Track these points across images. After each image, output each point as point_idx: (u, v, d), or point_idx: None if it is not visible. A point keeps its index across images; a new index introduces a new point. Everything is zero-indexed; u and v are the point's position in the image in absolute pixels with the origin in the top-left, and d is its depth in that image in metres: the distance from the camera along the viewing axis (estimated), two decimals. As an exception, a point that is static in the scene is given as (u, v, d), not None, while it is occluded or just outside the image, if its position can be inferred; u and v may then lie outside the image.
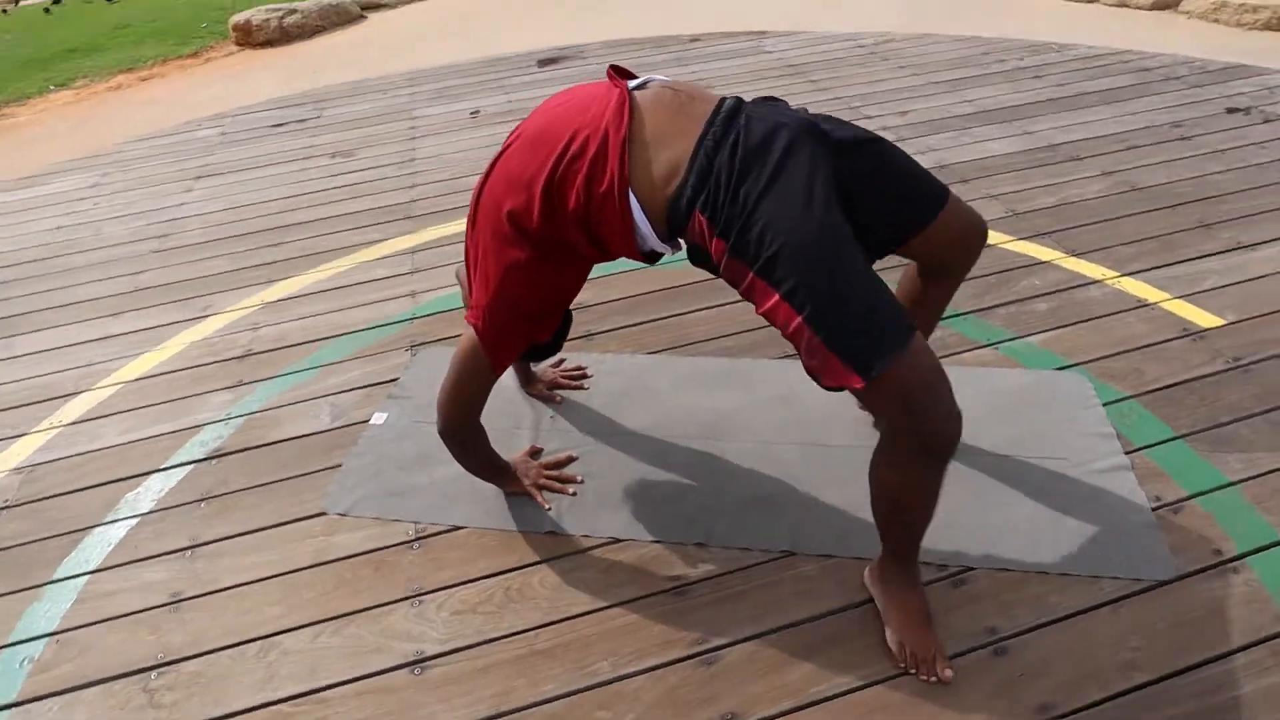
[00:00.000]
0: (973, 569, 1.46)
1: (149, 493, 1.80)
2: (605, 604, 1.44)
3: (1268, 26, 4.75)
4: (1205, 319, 2.03)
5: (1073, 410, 1.77)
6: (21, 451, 1.99)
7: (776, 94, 3.67)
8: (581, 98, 1.31)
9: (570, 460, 1.73)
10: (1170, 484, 1.60)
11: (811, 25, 4.81)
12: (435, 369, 2.03)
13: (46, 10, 8.10)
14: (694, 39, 4.70)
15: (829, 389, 1.17)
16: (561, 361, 2.03)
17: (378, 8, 6.78)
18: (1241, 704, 1.23)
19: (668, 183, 1.20)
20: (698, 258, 1.31)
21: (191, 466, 1.86)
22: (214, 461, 1.87)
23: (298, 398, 2.04)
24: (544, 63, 4.53)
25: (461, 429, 1.54)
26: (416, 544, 1.60)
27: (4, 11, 8.27)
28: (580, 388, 1.94)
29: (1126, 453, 1.66)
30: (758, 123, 1.19)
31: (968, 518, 1.54)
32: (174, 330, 2.38)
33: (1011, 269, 2.29)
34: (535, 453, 1.76)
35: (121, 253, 2.88)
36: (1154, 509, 1.54)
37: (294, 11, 6.20)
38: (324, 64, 5.27)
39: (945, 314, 1.91)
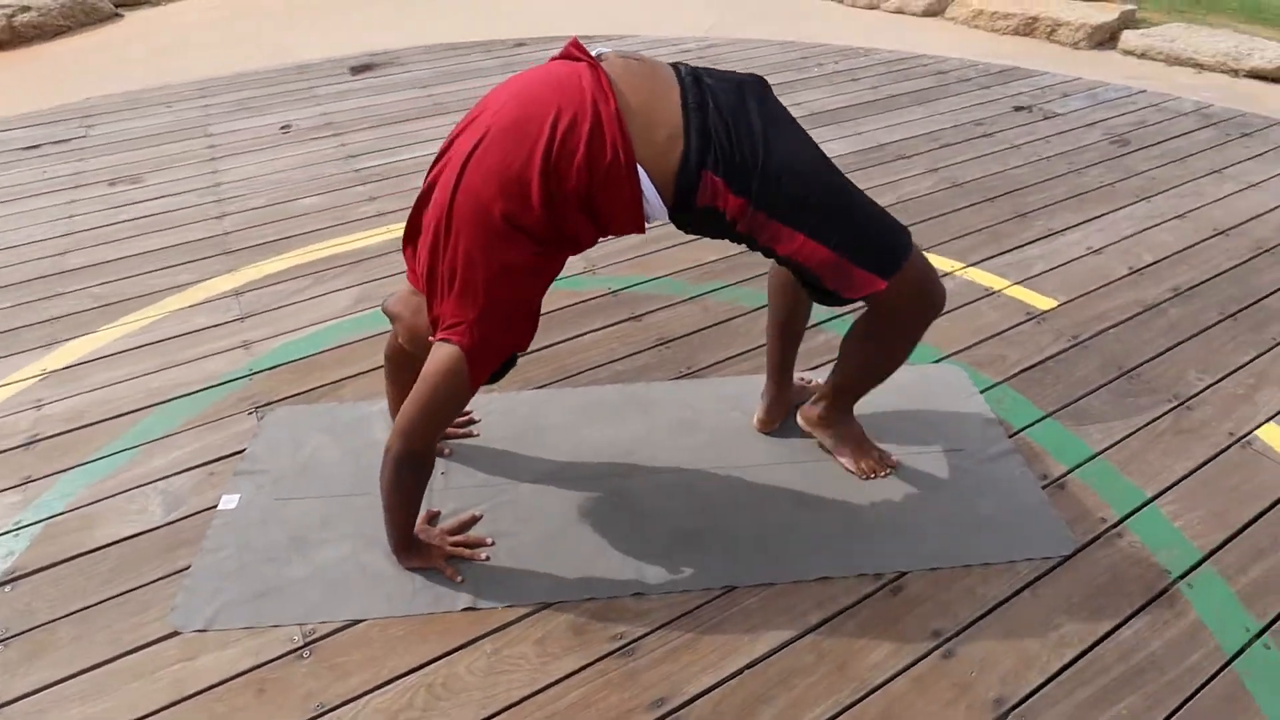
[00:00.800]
0: (905, 573, 1.46)
1: (-84, 642, 1.39)
2: (548, 681, 1.29)
3: (1016, 31, 5.42)
4: (1042, 301, 2.21)
5: (957, 400, 1.85)
6: None
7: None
8: (548, 79, 1.26)
9: (475, 520, 1.55)
10: (1051, 461, 1.71)
11: (626, 30, 4.81)
12: (290, 433, 1.76)
13: None
14: (519, 43, 4.53)
15: (848, 300, 1.35)
16: (443, 408, 1.82)
17: (136, 5, 5.91)
18: (1156, 660, 1.32)
19: (671, 148, 1.21)
20: (690, 221, 1.31)
21: (-24, 598, 1.46)
22: (7, 589, 1.47)
23: (114, 489, 1.67)
24: (357, 70, 4.15)
25: (428, 453, 1.36)
26: (307, 651, 1.34)
27: None
28: (470, 435, 1.75)
29: (1009, 436, 1.76)
30: (717, 82, 1.26)
31: (891, 519, 1.55)
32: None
33: (873, 267, 2.37)
34: (432, 518, 1.55)
35: None
36: (1043, 487, 1.64)
37: (27, 9, 5.22)
38: (74, 72, 4.48)
39: (817, 318, 1.95)
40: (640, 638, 1.36)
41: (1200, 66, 4.78)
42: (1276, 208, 2.68)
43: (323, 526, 1.56)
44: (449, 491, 1.63)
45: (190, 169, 3.09)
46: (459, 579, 1.43)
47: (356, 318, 2.18)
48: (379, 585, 1.44)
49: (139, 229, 2.67)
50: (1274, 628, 1.37)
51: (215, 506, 1.61)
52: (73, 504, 1.64)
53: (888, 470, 1.65)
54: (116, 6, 5.71)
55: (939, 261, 2.40)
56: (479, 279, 1.22)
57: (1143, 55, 5.01)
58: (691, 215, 1.29)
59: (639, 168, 1.22)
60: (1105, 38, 5.23)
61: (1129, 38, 5.08)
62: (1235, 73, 4.64)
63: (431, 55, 4.40)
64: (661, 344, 2.04)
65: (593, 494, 1.61)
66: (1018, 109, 3.52)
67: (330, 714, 1.25)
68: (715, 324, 2.12)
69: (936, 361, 1.98)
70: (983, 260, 2.39)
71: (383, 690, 1.28)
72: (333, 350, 2.05)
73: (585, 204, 1.23)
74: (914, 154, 3.08)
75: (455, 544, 1.48)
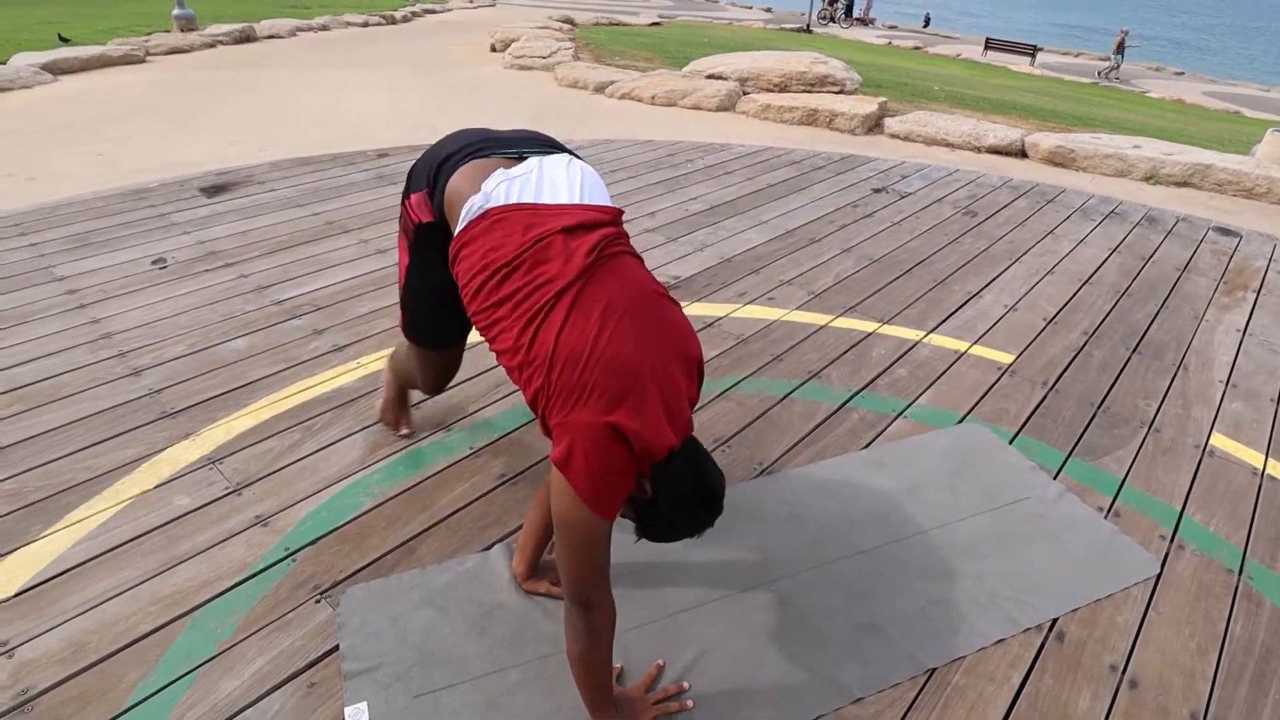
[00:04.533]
0: (1056, 619, 1.60)
1: None
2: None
3: (801, 121, 6.28)
4: (1002, 357, 2.56)
5: (996, 455, 2.07)
6: None
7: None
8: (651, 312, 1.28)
9: (661, 670, 1.44)
10: (1094, 495, 1.97)
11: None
12: (383, 615, 1.53)
13: None
14: (382, 154, 4.36)
15: None
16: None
17: None
18: (1271, 648, 1.57)
19: None
20: None
21: None
22: None
23: (188, 734, 1.32)
24: (211, 191, 3.73)
25: (610, 600, 1.24)
26: None
27: None
28: (595, 575, 1.63)
29: (1053, 479, 2.00)
30: None
31: (1017, 574, 1.69)
32: None
33: (855, 344, 2.59)
34: (618, 674, 1.41)
35: None
36: (1106, 518, 1.88)
37: None
38: None
39: (847, 396, 2.10)
40: (882, 746, 1.34)
41: (951, 145, 5.86)
42: (1108, 256, 3.35)
43: (489, 714, 1.35)
44: (605, 640, 1.50)
45: (57, 321, 2.57)
46: (683, 744, 1.32)
47: (385, 467, 1.94)
48: (598, 765, 1.28)
49: (25, 402, 2.16)
50: (1318, 598, 1.69)
51: (341, 725, 1.33)
52: (136, 769, 1.27)
53: (400, 431, 2.05)
54: None
55: (902, 331, 2.68)
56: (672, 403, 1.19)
57: (906, 138, 6.04)
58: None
59: None
60: (873, 124, 6.24)
61: (891, 124, 6.10)
62: (978, 149, 5.75)
63: (284, 171, 4.09)
64: (721, 444, 2.06)
65: (755, 612, 1.57)
66: (875, 190, 4.06)
67: None
68: (757, 417, 2.18)
69: (958, 423, 2.20)
70: (937, 326, 2.72)
71: None
72: (377, 509, 1.80)
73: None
74: (823, 236, 3.42)
75: (658, 700, 1.36)
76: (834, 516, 1.82)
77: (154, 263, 2.99)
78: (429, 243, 1.52)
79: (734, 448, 2.05)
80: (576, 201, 1.34)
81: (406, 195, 1.54)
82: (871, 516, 1.83)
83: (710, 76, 7.10)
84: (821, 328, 2.67)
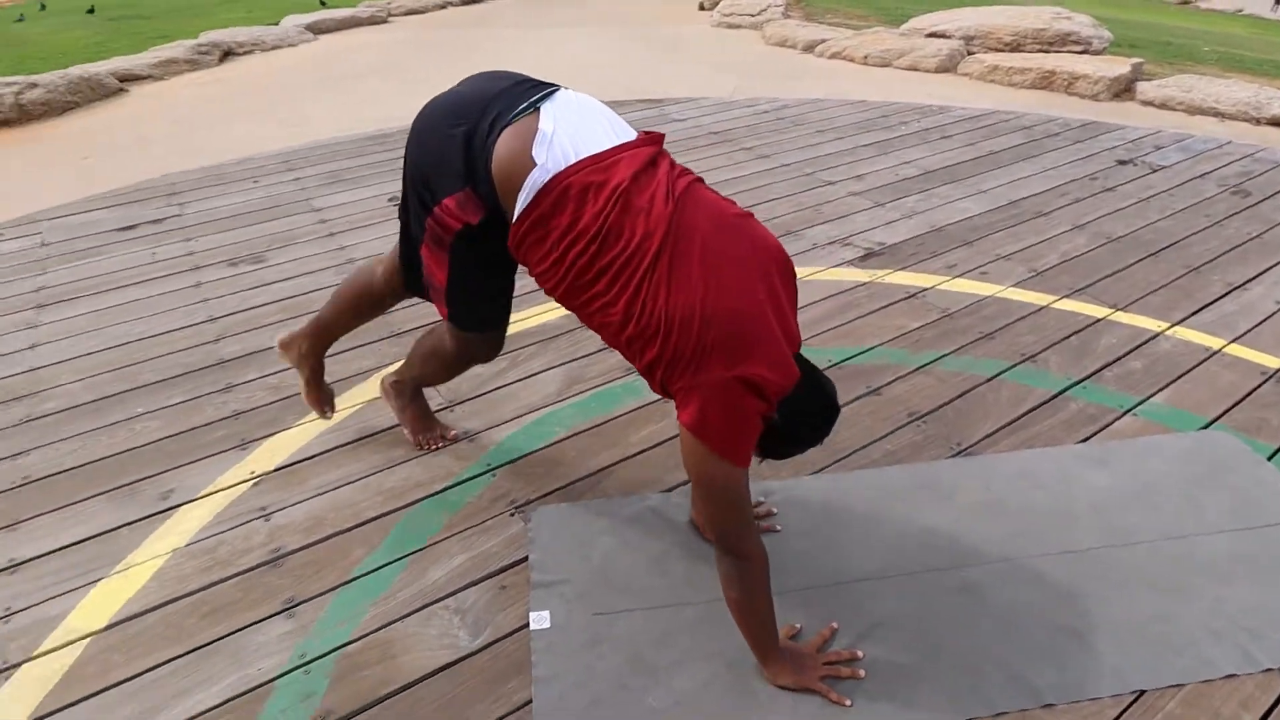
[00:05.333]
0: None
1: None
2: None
3: (1033, 85, 5.64)
4: (1268, 360, 2.20)
5: (1252, 470, 1.79)
6: None
7: (723, 162, 3.63)
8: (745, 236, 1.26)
9: (834, 633, 1.41)
10: (1376, 531, 1.65)
11: (665, 94, 4.84)
12: (570, 536, 1.62)
13: None
14: (592, 108, 4.51)
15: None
16: (736, 501, 1.69)
17: (138, 79, 5.76)
18: None
19: None
20: None
21: (290, 754, 1.26)
22: (323, 739, 1.29)
23: (401, 610, 1.49)
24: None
25: (761, 550, 1.28)
26: (717, 798, 1.18)
27: None
28: (772, 529, 1.63)
29: (1315, 505, 1.70)
30: None
31: (1259, 601, 1.47)
32: (129, 538, 1.66)
33: (1079, 330, 2.34)
34: (792, 634, 1.41)
35: (-23, 427, 2.02)
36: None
37: (34, 85, 5.01)
38: (91, 149, 4.29)
39: (1065, 384, 1.89)
40: (1074, 756, 1.23)
41: (1221, 115, 5.01)
42: None
43: (663, 645, 1.40)
44: (776, 597, 1.48)
45: (312, 246, 2.94)
46: (848, 703, 1.29)
47: (579, 402, 2.04)
48: (756, 707, 1.29)
49: (285, 311, 2.50)
50: None
51: (526, 626, 1.45)
52: (360, 630, 1.45)
53: (442, 443, 1.88)
54: (121, 82, 5.56)
55: (1139, 320, 2.38)
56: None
57: (1162, 105, 5.24)
58: None
59: None
60: (1121, 89, 5.47)
61: (1145, 88, 5.31)
62: (1256, 120, 4.87)
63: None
64: (916, 419, 1.96)
65: (937, 593, 1.50)
66: (1120, 163, 3.59)
67: None
68: (958, 395, 2.04)
69: (1202, 429, 1.93)
70: (1186, 318, 2.38)
71: (827, 841, 1.13)
72: (570, 439, 1.91)
73: None
74: (1051, 210, 3.10)
75: (829, 662, 1.34)
76: (1042, 509, 1.67)
77: (389, 200, 3.32)
78: (474, 242, 1.36)
79: (929, 424, 1.94)
80: (617, 142, 1.25)
81: (431, 203, 1.35)
82: (1088, 515, 1.66)
83: (931, 35, 6.59)
84: (1042, 309, 2.43)
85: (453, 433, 1.90)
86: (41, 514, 1.73)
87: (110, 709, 1.31)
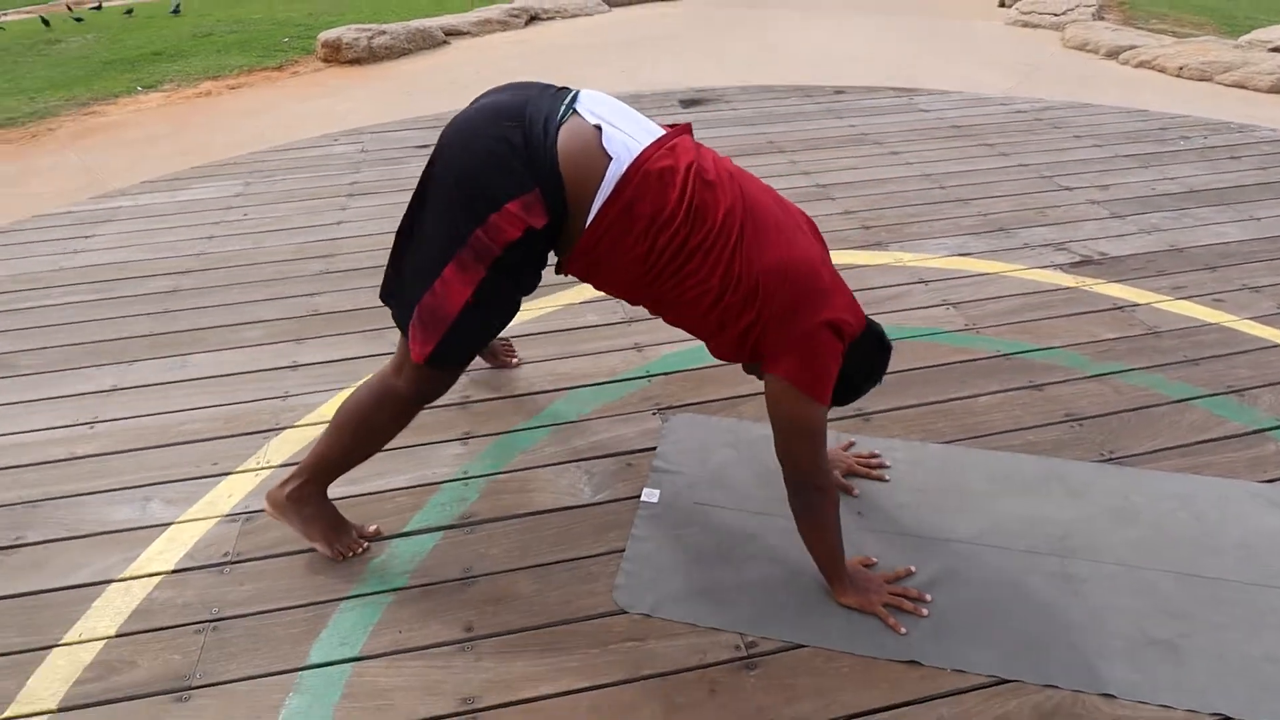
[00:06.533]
0: None
1: (398, 561, 1.56)
2: (1016, 766, 1.19)
3: None
4: None
5: None
6: (232, 494, 1.75)
7: (954, 155, 3.54)
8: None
9: (909, 574, 1.49)
10: None
11: (937, 86, 4.67)
12: (696, 440, 1.82)
13: (128, 12, 8.05)
14: (839, 91, 4.56)
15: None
16: (851, 444, 1.80)
17: (460, 34, 6.71)
18: None
19: None
20: None
21: (441, 534, 1.63)
22: (466, 531, 1.63)
23: (543, 460, 1.81)
24: (687, 103, 4.38)
25: (831, 480, 1.41)
26: (753, 663, 1.35)
27: (94, 9, 8.22)
28: (881, 479, 1.71)
29: None
30: None
31: None
32: (366, 365, 2.16)
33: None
34: (869, 564, 1.51)
35: (290, 270, 2.67)
36: None
37: (383, 33, 6.10)
38: (415, 86, 5.12)
39: (1269, 424, 1.78)
40: (1117, 744, 1.22)
41: None
42: None
43: (746, 540, 1.58)
44: (866, 534, 1.59)
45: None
46: (903, 631, 1.38)
47: (738, 338, 2.23)
48: (817, 615, 1.42)
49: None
50: None
51: (638, 496, 1.69)
52: (508, 466, 1.79)
53: (363, 545, 1.58)
54: (445, 35, 6.53)
55: None
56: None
57: None
58: None
59: None
60: None
61: None
62: None
63: (749, 95, 4.54)
64: (1071, 420, 1.89)
65: (1031, 571, 1.50)
66: None
67: (788, 735, 1.24)
68: (1133, 409, 1.93)
69: None
70: None
71: (841, 726, 1.25)
72: (719, 368, 2.10)
73: None
74: (1340, 252, 2.67)
75: (896, 594, 1.43)
76: (1181, 530, 1.58)
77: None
78: (527, 258, 1.29)
79: (1085, 428, 1.87)
80: (656, 131, 1.30)
81: (488, 210, 1.23)
82: (1234, 550, 1.54)
83: (1276, 49, 5.67)
84: (1275, 346, 2.17)
85: (372, 528, 1.60)
86: (319, 337, 2.29)
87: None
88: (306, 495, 1.52)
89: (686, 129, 1.35)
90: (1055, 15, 7.39)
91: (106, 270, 2.73)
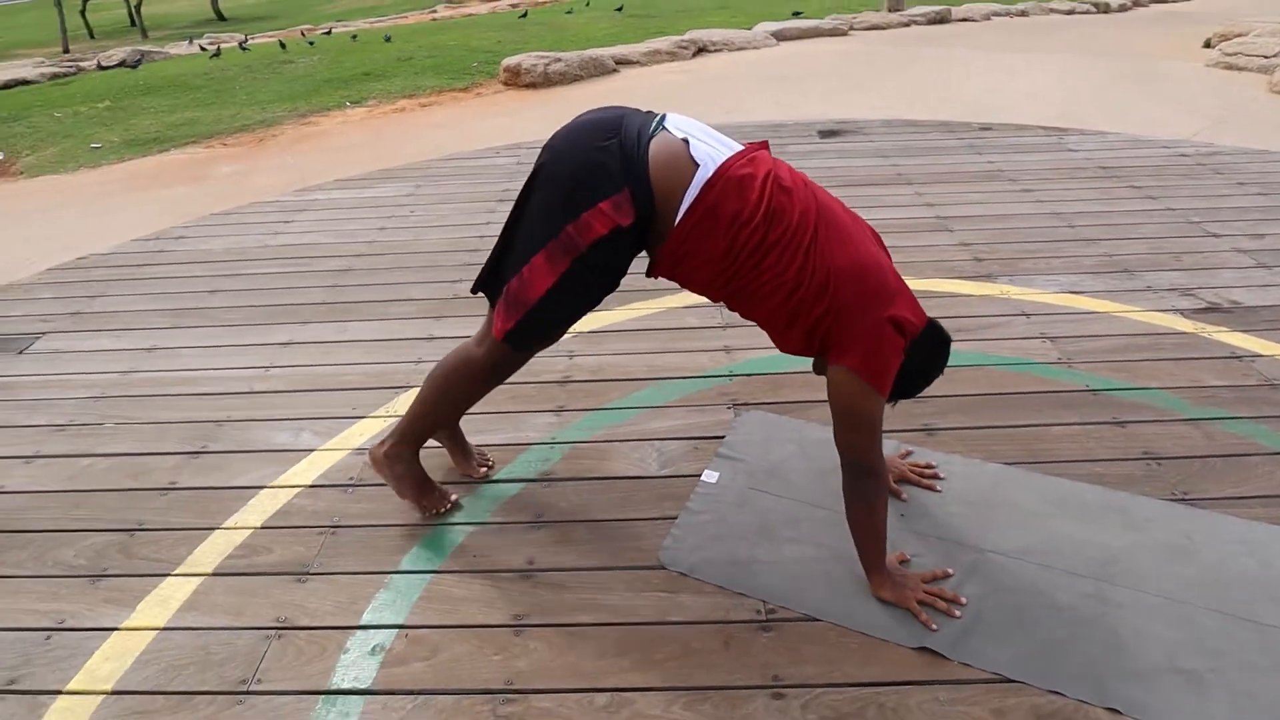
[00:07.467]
0: None
1: (483, 502, 1.83)
2: (1000, 754, 1.25)
3: None
4: None
5: None
6: (363, 433, 2.11)
7: (1093, 195, 3.42)
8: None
9: (946, 576, 1.56)
10: None
11: (1105, 127, 4.46)
12: (763, 435, 1.96)
13: (353, 37, 9.29)
14: (985, 127, 4.50)
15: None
16: (909, 454, 1.88)
17: (629, 64, 7.16)
18: None
19: None
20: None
21: (523, 485, 1.88)
22: (544, 485, 1.88)
23: (623, 436, 2.03)
24: (825, 134, 4.50)
25: (884, 472, 1.52)
26: (768, 626, 1.48)
27: (325, 34, 9.55)
28: (932, 489, 1.78)
29: None
30: None
31: None
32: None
33: None
34: (904, 561, 1.60)
35: (441, 260, 3.09)
36: None
37: (559, 60, 6.68)
38: (581, 108, 5.52)
39: None
40: (1114, 756, 1.25)
41: None
42: None
43: (789, 524, 1.71)
44: (908, 534, 1.67)
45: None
46: (934, 627, 1.45)
47: (822, 350, 2.35)
48: (838, 594, 1.53)
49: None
50: None
51: (699, 476, 1.86)
52: (590, 437, 2.03)
53: (447, 505, 1.77)
54: (615, 64, 7.01)
55: None
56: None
57: None
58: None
59: None
60: None
61: None
62: None
63: (891, 128, 4.58)
64: (1149, 458, 1.86)
65: (1069, 588, 1.52)
66: None
67: (786, 690, 1.37)
68: (1221, 455, 1.86)
69: None
70: None
71: (836, 690, 1.36)
72: (800, 374, 2.23)
73: None
74: None
75: (932, 593, 1.50)
76: (1244, 575, 1.53)
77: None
78: (610, 259, 1.45)
79: (1163, 467, 1.83)
80: (736, 145, 1.45)
81: (583, 207, 1.40)
82: (1295, 598, 1.48)
83: None
84: None
85: (454, 496, 1.79)
86: (455, 316, 2.66)
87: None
88: (398, 454, 1.72)
89: (764, 145, 1.50)
90: (1265, 58, 6.77)
91: (298, 250, 3.28)
